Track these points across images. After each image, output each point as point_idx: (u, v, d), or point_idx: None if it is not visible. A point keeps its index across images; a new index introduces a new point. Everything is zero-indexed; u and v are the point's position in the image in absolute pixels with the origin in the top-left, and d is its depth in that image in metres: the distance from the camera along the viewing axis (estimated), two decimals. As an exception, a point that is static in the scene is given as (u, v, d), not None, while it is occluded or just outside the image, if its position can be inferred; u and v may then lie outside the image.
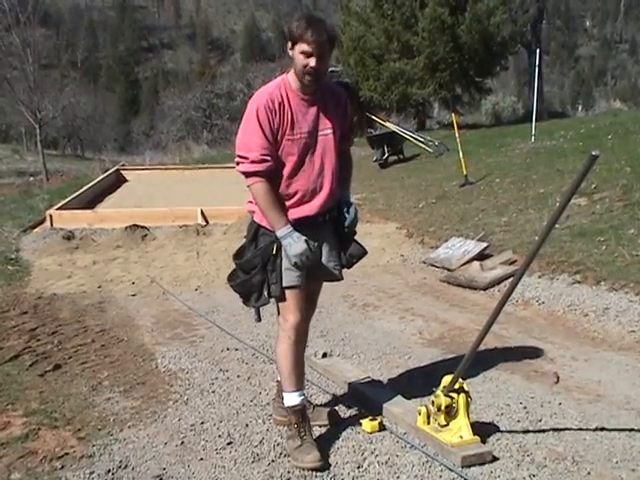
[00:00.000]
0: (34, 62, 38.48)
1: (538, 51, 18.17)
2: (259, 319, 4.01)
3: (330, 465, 3.61)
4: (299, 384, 3.87)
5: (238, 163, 3.71)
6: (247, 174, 3.68)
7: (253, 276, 3.76)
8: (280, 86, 3.73)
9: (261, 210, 3.72)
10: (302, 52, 3.61)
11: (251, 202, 3.84)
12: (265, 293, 3.79)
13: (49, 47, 78.34)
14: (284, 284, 3.74)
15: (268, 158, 3.65)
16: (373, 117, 21.62)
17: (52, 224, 11.64)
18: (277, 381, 4.19)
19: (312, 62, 3.60)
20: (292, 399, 3.84)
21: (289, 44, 3.68)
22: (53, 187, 22.72)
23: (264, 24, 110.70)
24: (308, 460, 3.61)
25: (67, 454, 3.81)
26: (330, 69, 30.73)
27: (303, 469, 3.58)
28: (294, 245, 3.63)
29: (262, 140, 3.63)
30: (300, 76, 3.67)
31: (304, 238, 3.65)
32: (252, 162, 3.63)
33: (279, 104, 3.67)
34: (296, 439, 3.74)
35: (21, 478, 3.54)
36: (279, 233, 3.65)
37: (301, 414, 3.83)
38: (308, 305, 3.97)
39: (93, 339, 6.04)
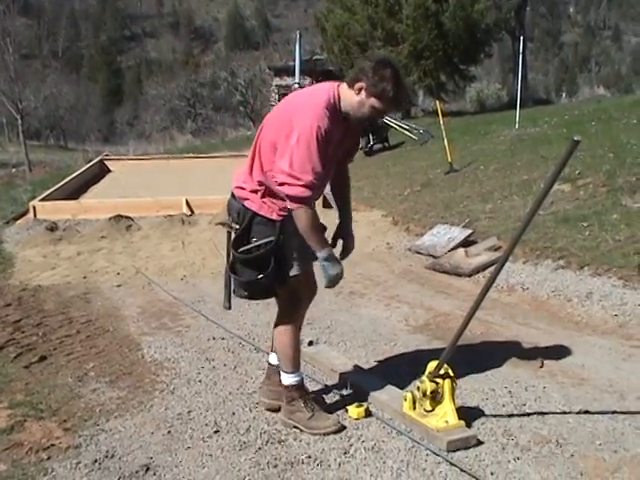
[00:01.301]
0: (14, 52, 38.18)
1: (522, 38, 18.22)
2: (229, 307, 4.04)
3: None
4: (297, 365, 3.95)
5: (284, 184, 3.54)
6: (296, 199, 3.56)
7: (266, 276, 3.70)
8: (331, 104, 3.64)
9: (304, 233, 3.64)
10: (374, 107, 3.64)
11: (242, 188, 3.79)
12: (276, 290, 3.84)
13: (30, 37, 77.77)
14: (292, 273, 3.77)
15: (319, 184, 3.63)
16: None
17: (35, 215, 11.56)
18: (268, 364, 4.23)
19: (378, 117, 3.75)
20: (293, 378, 3.92)
21: (362, 86, 3.62)
22: (36, 178, 22.60)
23: (247, 12, 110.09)
24: (329, 425, 3.80)
25: (53, 445, 3.80)
26: (314, 57, 30.75)
27: (324, 435, 3.74)
28: (333, 267, 3.70)
29: (318, 165, 3.53)
30: (356, 115, 3.68)
31: (341, 265, 3.75)
32: (305, 187, 3.51)
33: (331, 124, 3.60)
34: (305, 411, 3.85)
35: (7, 470, 3.53)
36: (322, 254, 3.68)
37: (303, 389, 3.96)
38: (311, 287, 4.04)
39: (78, 330, 6.02)
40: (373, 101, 3.61)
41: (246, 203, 3.76)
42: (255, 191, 3.74)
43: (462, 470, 3.33)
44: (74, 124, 56.98)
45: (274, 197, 3.70)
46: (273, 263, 3.68)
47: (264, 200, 3.72)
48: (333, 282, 3.74)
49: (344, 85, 3.70)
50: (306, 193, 3.53)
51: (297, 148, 3.51)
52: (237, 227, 3.79)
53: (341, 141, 3.76)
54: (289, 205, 3.59)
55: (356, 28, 26.49)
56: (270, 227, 3.71)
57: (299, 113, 3.60)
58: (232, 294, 3.96)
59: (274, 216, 3.71)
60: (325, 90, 3.70)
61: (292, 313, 3.89)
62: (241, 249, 3.74)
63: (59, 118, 55.48)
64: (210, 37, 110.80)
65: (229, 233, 3.90)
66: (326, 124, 3.55)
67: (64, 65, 74.67)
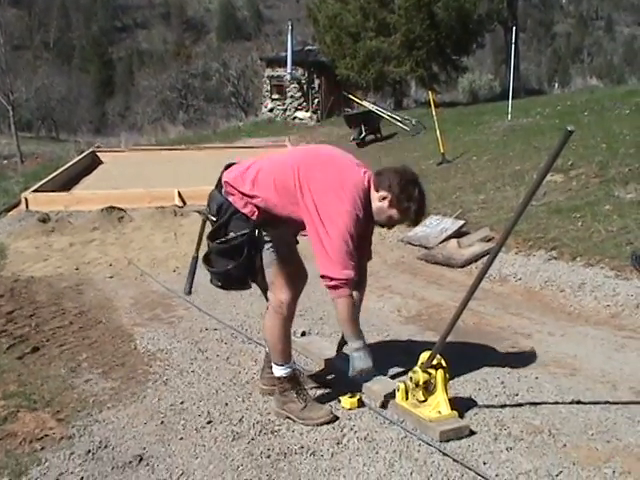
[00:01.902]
0: (5, 43, 37.95)
1: (514, 28, 18.18)
2: (190, 293, 4.15)
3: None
4: (288, 357, 3.94)
5: (331, 287, 3.62)
6: (341, 288, 3.61)
7: (240, 264, 3.73)
8: (363, 194, 3.70)
9: (343, 321, 3.72)
10: (392, 218, 3.74)
11: (232, 187, 3.78)
12: (249, 281, 3.87)
13: (21, 28, 77.23)
14: (265, 261, 3.81)
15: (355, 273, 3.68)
16: (350, 96, 21.59)
17: (27, 207, 11.55)
18: (266, 352, 4.25)
19: (389, 226, 3.88)
20: (282, 370, 3.92)
21: (387, 196, 3.70)
22: (28, 170, 22.53)
23: (239, 2, 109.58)
24: (322, 415, 3.80)
25: (47, 436, 3.80)
26: (307, 48, 30.66)
27: (317, 425, 3.75)
28: (363, 360, 3.72)
29: (354, 255, 3.64)
30: (376, 219, 3.78)
31: (371, 357, 3.75)
32: (346, 285, 3.61)
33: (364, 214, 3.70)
34: (297, 402, 3.86)
35: (0, 460, 3.53)
36: (355, 345, 3.73)
37: (294, 380, 3.94)
38: (301, 275, 4.03)
39: (71, 321, 6.02)
40: (394, 212, 3.74)
41: (230, 198, 3.78)
42: (243, 195, 3.76)
43: (455, 460, 3.34)
44: (66, 115, 56.72)
45: (260, 209, 3.75)
46: (246, 253, 3.71)
47: (249, 203, 3.75)
48: (358, 374, 3.79)
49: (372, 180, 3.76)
50: (348, 291, 3.63)
51: (333, 242, 3.57)
52: (213, 219, 3.81)
53: (365, 232, 3.86)
54: (331, 295, 3.67)
55: (348, 18, 26.37)
56: (248, 222, 3.74)
57: (331, 198, 3.62)
58: (194, 281, 4.08)
59: (254, 217, 3.74)
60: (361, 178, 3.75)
61: (278, 305, 3.86)
62: (218, 240, 3.77)
63: (50, 109, 55.20)
64: (202, 28, 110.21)
65: (204, 222, 3.95)
66: (360, 214, 3.65)
67: (55, 56, 74.24)
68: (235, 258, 3.73)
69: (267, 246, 3.82)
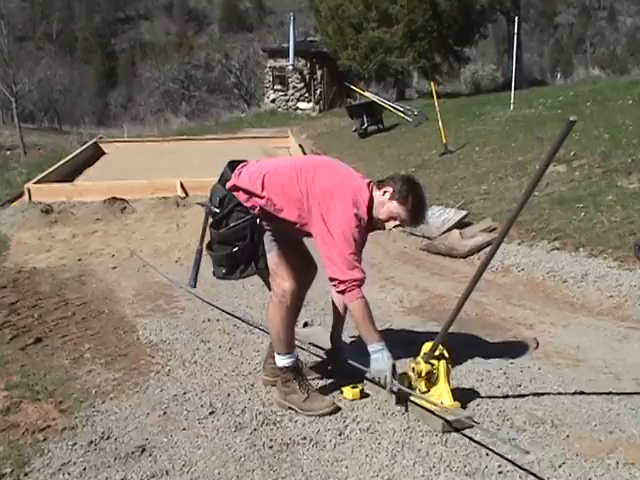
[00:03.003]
0: (8, 34, 37.90)
1: (517, 19, 18.14)
2: (195, 285, 4.22)
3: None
4: (290, 347, 3.95)
5: (344, 291, 3.67)
6: (351, 291, 3.65)
7: (244, 247, 3.80)
8: (366, 199, 3.76)
9: (358, 324, 3.76)
10: (392, 212, 3.77)
11: (237, 188, 3.84)
12: (253, 265, 3.87)
13: (24, 19, 77.11)
14: (266, 246, 3.85)
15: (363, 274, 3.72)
16: (352, 87, 21.56)
17: (30, 198, 11.52)
18: (270, 343, 4.24)
19: (389, 224, 3.86)
20: (284, 360, 3.93)
21: (388, 189, 3.77)
22: (31, 161, 22.49)
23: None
24: (324, 406, 3.81)
25: (49, 426, 3.80)
26: (309, 38, 30.61)
27: (320, 416, 3.75)
28: (381, 362, 3.69)
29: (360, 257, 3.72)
30: (375, 215, 3.80)
31: (392, 360, 3.71)
32: (358, 285, 3.66)
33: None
34: (299, 393, 3.86)
35: (3, 450, 3.53)
36: (372, 347, 3.72)
37: (297, 370, 3.95)
38: (307, 265, 4.07)
39: (74, 312, 6.02)
40: (394, 206, 3.77)
41: (234, 193, 3.84)
42: (249, 193, 3.83)
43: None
44: (68, 107, 56.64)
45: (263, 209, 3.82)
46: (249, 236, 3.79)
47: (252, 200, 3.82)
48: (377, 376, 3.76)
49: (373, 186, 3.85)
50: (360, 293, 3.66)
51: (341, 249, 3.61)
52: (217, 211, 3.86)
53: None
54: (344, 300, 3.78)
55: (350, 9, 26.33)
56: (248, 214, 3.81)
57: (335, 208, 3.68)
58: (198, 273, 4.20)
59: (255, 212, 3.82)
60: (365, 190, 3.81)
61: (281, 294, 3.86)
62: (222, 229, 3.84)
63: (53, 101, 55.14)
64: (204, 19, 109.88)
65: (207, 215, 4.02)
66: (363, 224, 3.72)
67: (58, 47, 74.00)
68: (239, 242, 3.80)
69: (268, 233, 3.87)
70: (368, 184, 3.83)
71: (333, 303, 4.24)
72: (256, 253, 3.85)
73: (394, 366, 3.70)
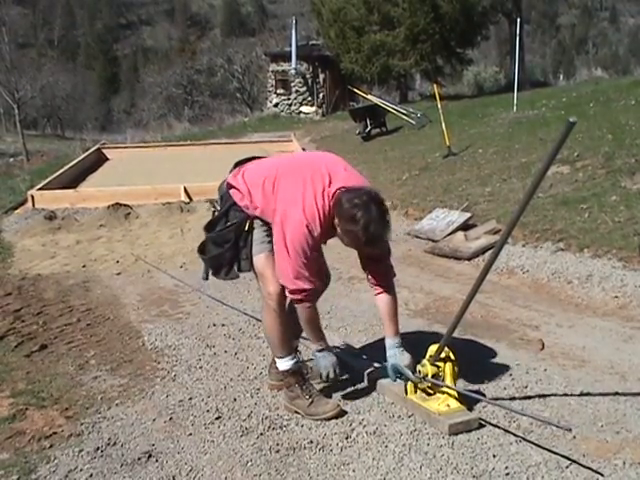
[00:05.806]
0: (10, 41, 38.01)
1: (519, 20, 18.13)
2: (207, 278, 4.19)
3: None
4: (289, 349, 3.97)
5: (291, 292, 3.74)
6: (297, 296, 3.73)
7: (226, 250, 3.91)
8: (321, 216, 3.64)
9: (303, 325, 3.90)
10: (346, 243, 3.71)
11: (234, 185, 3.88)
12: (235, 268, 3.96)
13: (25, 26, 77.30)
14: (254, 253, 3.87)
15: (316, 284, 3.79)
16: (355, 90, 21.57)
17: (34, 205, 11.54)
18: None
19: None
20: (285, 364, 3.94)
21: (336, 222, 3.63)
22: (34, 167, 22.52)
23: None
24: (329, 410, 3.81)
25: (55, 433, 3.80)
26: (311, 42, 30.62)
27: (325, 420, 3.77)
28: (325, 359, 3.89)
29: (313, 270, 3.73)
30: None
31: (335, 357, 3.94)
32: (307, 294, 3.72)
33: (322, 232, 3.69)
34: (303, 397, 3.87)
35: (9, 458, 3.54)
36: (315, 346, 3.93)
37: (299, 374, 3.96)
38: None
39: (79, 318, 6.02)
40: (344, 237, 3.67)
41: (231, 191, 3.90)
42: (240, 192, 3.87)
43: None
44: (71, 113, 56.77)
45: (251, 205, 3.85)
46: (233, 240, 3.87)
47: (245, 199, 3.84)
48: (326, 371, 3.88)
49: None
50: (308, 298, 3.75)
51: (290, 259, 3.63)
52: (219, 208, 4.00)
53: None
54: (291, 298, 3.82)
55: (352, 12, 26.34)
56: (243, 214, 3.86)
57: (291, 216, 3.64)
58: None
59: (249, 211, 3.84)
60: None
61: (267, 298, 3.86)
62: (218, 229, 3.93)
63: (56, 107, 55.30)
64: (206, 24, 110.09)
65: (214, 212, 4.10)
66: (314, 235, 3.64)
67: (60, 54, 74.21)
68: (224, 246, 3.90)
69: (260, 235, 3.86)
70: (334, 194, 3.61)
71: None
72: (238, 257, 3.92)
73: (338, 359, 3.95)
